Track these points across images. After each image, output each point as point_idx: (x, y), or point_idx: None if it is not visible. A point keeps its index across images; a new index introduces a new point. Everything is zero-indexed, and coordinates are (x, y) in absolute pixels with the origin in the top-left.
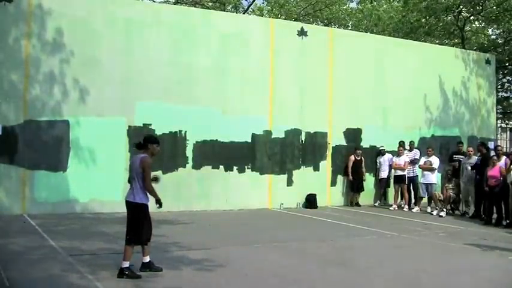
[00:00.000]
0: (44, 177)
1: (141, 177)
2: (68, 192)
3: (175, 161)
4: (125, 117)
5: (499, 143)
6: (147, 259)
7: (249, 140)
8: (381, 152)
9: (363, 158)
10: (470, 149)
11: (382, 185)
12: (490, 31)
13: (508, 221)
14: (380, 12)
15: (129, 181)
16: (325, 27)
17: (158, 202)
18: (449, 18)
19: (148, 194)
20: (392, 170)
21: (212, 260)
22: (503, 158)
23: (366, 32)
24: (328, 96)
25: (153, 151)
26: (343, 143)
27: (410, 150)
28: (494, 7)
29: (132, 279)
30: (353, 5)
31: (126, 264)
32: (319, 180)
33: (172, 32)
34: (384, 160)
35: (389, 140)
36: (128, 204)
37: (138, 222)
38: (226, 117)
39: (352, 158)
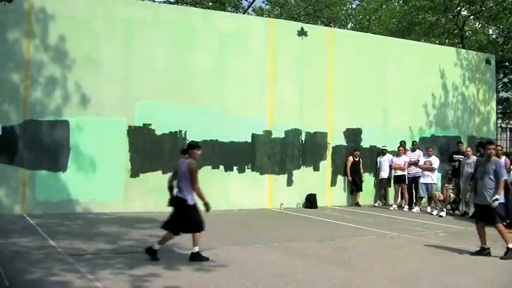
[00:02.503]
0: (44, 177)
1: (189, 180)
2: (68, 192)
3: (175, 161)
4: (125, 117)
5: (499, 143)
6: (196, 249)
7: (249, 140)
8: (382, 152)
9: (361, 159)
10: (469, 149)
11: (382, 185)
12: (490, 31)
13: (508, 221)
14: (383, 10)
15: (178, 184)
16: (325, 27)
17: (206, 205)
18: (448, 17)
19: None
20: (393, 170)
21: (212, 260)
22: (503, 158)
23: (367, 32)
24: (328, 96)
25: (194, 156)
26: (343, 143)
27: (413, 150)
28: (493, 6)
29: (200, 262)
30: (353, 5)
31: (196, 249)
32: (319, 180)
33: (172, 32)
34: (384, 160)
35: (389, 140)
36: (181, 202)
37: (195, 216)
38: (226, 117)
39: (351, 158)
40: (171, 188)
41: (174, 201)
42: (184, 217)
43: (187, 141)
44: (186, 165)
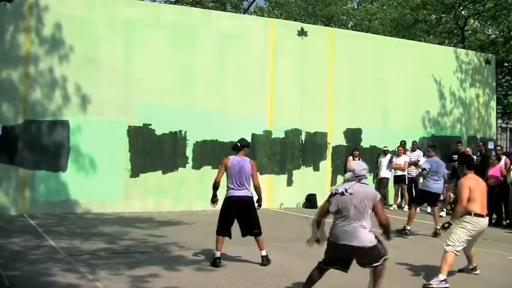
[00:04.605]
0: (44, 177)
1: (250, 177)
2: (68, 192)
3: (175, 161)
4: (125, 117)
5: (499, 143)
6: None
7: (249, 140)
8: (384, 152)
9: (361, 159)
10: (468, 149)
11: (382, 185)
12: (490, 31)
13: (508, 221)
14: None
15: (237, 182)
16: (325, 27)
17: (259, 201)
18: (449, 17)
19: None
20: (392, 170)
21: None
22: (503, 158)
23: (367, 32)
24: (328, 96)
25: (245, 153)
26: (343, 143)
27: (413, 150)
28: (492, 6)
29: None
30: (354, 4)
31: (264, 252)
32: (319, 180)
33: (172, 32)
34: (385, 160)
35: (389, 140)
36: (250, 201)
37: (257, 215)
38: (226, 117)
39: (350, 159)
40: (217, 187)
41: (239, 201)
42: (254, 217)
43: (240, 139)
44: (249, 163)
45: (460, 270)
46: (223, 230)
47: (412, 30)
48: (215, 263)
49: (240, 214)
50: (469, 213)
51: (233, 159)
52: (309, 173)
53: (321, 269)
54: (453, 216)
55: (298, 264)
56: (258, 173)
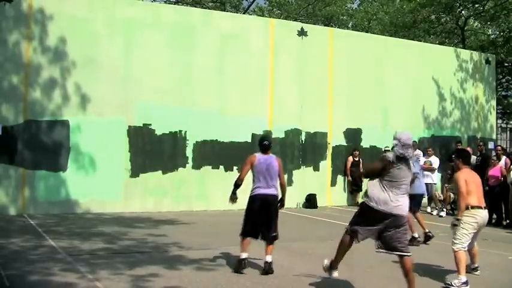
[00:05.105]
0: (44, 177)
1: (277, 176)
2: (68, 192)
3: (175, 161)
4: (125, 117)
5: (499, 143)
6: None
7: (249, 140)
8: (384, 152)
9: (361, 159)
10: (468, 148)
11: None
12: (490, 31)
13: (508, 221)
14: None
15: (264, 180)
16: (325, 27)
17: (283, 201)
18: (449, 16)
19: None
20: None
21: (212, 260)
22: (504, 158)
23: (367, 32)
24: (328, 96)
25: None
26: (343, 143)
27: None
28: (492, 6)
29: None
30: (354, 5)
31: (270, 258)
32: (319, 180)
33: (172, 32)
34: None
35: (389, 140)
36: (273, 201)
37: (277, 218)
38: (226, 117)
39: (350, 159)
40: (240, 185)
41: (264, 199)
42: (275, 220)
43: (262, 136)
44: (276, 160)
45: None
46: (249, 231)
47: (412, 30)
48: (240, 265)
49: (260, 213)
50: (467, 207)
51: (260, 157)
52: (309, 173)
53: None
54: (459, 212)
55: (298, 264)
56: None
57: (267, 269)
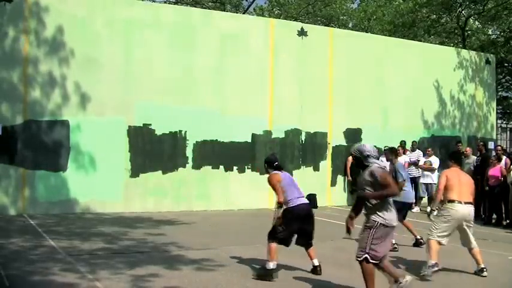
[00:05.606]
0: (44, 177)
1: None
2: (68, 192)
3: (175, 161)
4: (125, 117)
5: (499, 143)
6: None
7: (249, 140)
8: (384, 152)
9: None
10: (468, 148)
11: None
12: (490, 31)
13: (508, 221)
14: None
15: (294, 190)
16: (325, 27)
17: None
18: (449, 16)
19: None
20: None
21: (212, 260)
22: (504, 158)
23: (366, 32)
24: (328, 96)
25: None
26: (343, 143)
27: (413, 150)
28: (493, 6)
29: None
30: (354, 5)
31: (317, 262)
32: (319, 180)
33: (172, 32)
34: (385, 160)
35: (389, 140)
36: (310, 209)
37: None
38: (226, 117)
39: (350, 158)
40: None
41: (306, 209)
42: (313, 228)
43: (272, 158)
44: (289, 175)
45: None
46: (284, 238)
47: (412, 29)
48: (270, 275)
49: (303, 223)
50: (443, 201)
51: (281, 173)
52: (309, 173)
53: None
54: (433, 203)
55: (299, 264)
56: (258, 173)
57: (320, 271)
